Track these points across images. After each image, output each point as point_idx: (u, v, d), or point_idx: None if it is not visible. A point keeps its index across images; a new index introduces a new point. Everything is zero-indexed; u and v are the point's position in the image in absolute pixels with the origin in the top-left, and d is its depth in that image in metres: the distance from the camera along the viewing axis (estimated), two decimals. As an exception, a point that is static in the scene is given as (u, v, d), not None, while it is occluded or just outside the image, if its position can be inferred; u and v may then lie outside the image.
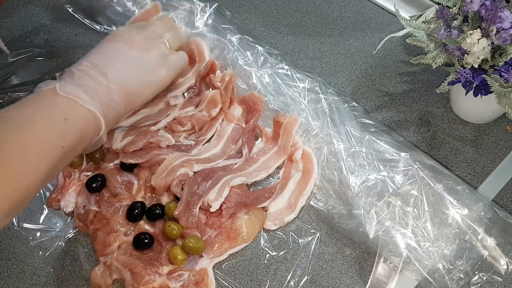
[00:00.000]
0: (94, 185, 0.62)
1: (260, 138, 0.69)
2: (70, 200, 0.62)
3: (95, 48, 0.60)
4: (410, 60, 0.66)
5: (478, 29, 0.57)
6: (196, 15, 0.80)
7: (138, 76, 0.59)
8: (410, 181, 0.61)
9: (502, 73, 0.56)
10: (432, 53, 0.63)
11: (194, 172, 0.64)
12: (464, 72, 0.58)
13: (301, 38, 0.81)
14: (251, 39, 0.77)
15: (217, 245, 0.59)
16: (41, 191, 0.64)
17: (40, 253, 0.60)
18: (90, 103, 0.52)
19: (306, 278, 0.58)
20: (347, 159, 0.63)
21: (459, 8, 0.61)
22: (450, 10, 0.61)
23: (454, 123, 0.70)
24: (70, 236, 0.61)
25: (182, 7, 0.81)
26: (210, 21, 0.80)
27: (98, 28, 0.81)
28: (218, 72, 0.73)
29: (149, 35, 0.63)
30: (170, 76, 0.63)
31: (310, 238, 0.60)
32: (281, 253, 0.59)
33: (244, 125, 0.69)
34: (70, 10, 0.82)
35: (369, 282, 0.57)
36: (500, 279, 0.56)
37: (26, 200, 0.47)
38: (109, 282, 0.56)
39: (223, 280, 0.58)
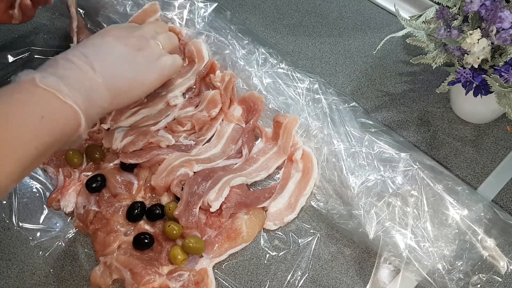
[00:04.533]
0: (94, 185, 0.62)
1: (260, 138, 0.69)
2: (70, 200, 0.62)
3: (86, 40, 0.57)
4: (410, 60, 0.66)
5: (478, 29, 0.57)
6: (196, 15, 0.80)
7: (128, 73, 0.56)
8: (410, 181, 0.61)
9: (502, 73, 0.56)
10: (432, 53, 0.63)
11: (194, 172, 0.64)
12: (464, 72, 0.58)
13: (301, 38, 0.81)
14: (251, 39, 0.77)
15: (217, 245, 0.59)
16: (41, 191, 0.64)
17: (40, 253, 0.60)
18: (72, 98, 0.48)
19: (306, 278, 0.58)
20: (347, 159, 0.63)
21: (459, 8, 0.61)
22: (450, 10, 0.61)
23: (454, 123, 0.70)
24: (70, 236, 0.61)
25: (182, 7, 0.81)
26: (209, 21, 0.80)
27: (98, 29, 0.81)
28: (218, 72, 0.73)
29: (142, 35, 0.61)
30: (161, 78, 0.61)
31: (310, 238, 0.60)
32: (281, 253, 0.60)
33: (244, 125, 0.69)
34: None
35: (369, 282, 0.57)
36: (500, 280, 0.56)
37: None
38: (109, 282, 0.56)
39: (223, 280, 0.58)
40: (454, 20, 0.61)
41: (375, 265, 0.58)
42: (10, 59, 0.77)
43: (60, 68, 0.50)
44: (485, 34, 0.57)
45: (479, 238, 0.57)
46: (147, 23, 0.68)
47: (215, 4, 0.81)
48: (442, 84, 0.62)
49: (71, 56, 0.52)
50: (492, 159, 0.67)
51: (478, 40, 0.56)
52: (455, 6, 0.62)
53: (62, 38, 0.80)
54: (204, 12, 0.81)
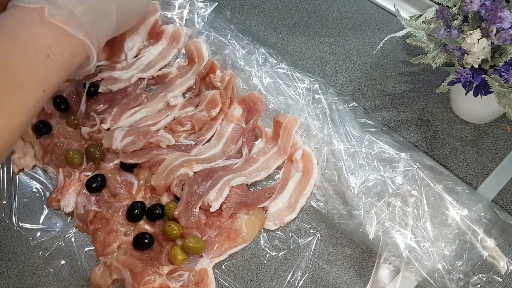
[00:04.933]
0: (94, 185, 0.62)
1: (260, 138, 0.69)
2: (70, 200, 0.62)
3: None
4: (410, 60, 0.66)
5: (478, 29, 0.57)
6: (196, 14, 0.80)
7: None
8: (410, 181, 0.61)
9: (502, 73, 0.56)
10: (432, 53, 0.63)
11: (194, 172, 0.64)
12: (464, 72, 0.58)
13: (301, 38, 0.81)
14: (251, 39, 0.77)
15: (217, 245, 0.59)
16: (41, 191, 0.64)
17: (40, 253, 0.60)
18: (82, 30, 0.44)
19: (306, 278, 0.58)
20: (347, 159, 0.63)
21: (459, 8, 0.61)
22: (450, 10, 0.61)
23: (454, 123, 0.70)
24: (70, 236, 0.61)
25: (181, 7, 0.81)
26: (209, 21, 0.80)
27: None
28: (218, 72, 0.73)
29: None
30: (147, 8, 0.59)
31: (310, 238, 0.60)
32: (281, 253, 0.60)
33: (244, 125, 0.69)
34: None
35: (369, 282, 0.57)
36: (500, 280, 0.56)
37: (3, 149, 0.41)
38: (109, 282, 0.56)
39: (223, 280, 0.58)
40: (454, 20, 0.61)
41: (375, 265, 0.58)
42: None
43: None
44: (485, 34, 0.57)
45: (479, 238, 0.57)
46: None
47: (215, 4, 0.81)
48: (442, 84, 0.62)
49: None
50: (492, 159, 0.67)
51: (478, 40, 0.56)
52: (455, 6, 0.62)
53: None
54: (204, 12, 0.81)
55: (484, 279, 0.56)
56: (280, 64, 0.74)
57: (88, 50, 0.46)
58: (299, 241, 0.60)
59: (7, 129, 0.40)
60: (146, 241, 0.58)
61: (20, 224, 0.62)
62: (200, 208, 0.60)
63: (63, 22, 0.43)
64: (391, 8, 0.83)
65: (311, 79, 0.72)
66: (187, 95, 0.74)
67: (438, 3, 0.64)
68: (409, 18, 0.66)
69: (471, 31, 0.57)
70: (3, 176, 0.65)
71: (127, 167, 0.64)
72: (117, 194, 0.62)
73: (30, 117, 0.42)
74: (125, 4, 0.51)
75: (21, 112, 0.41)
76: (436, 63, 0.63)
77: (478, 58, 0.57)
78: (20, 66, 0.41)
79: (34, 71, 0.42)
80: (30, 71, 0.41)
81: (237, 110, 0.71)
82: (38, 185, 0.65)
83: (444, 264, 0.56)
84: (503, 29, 0.56)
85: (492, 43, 0.57)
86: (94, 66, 0.48)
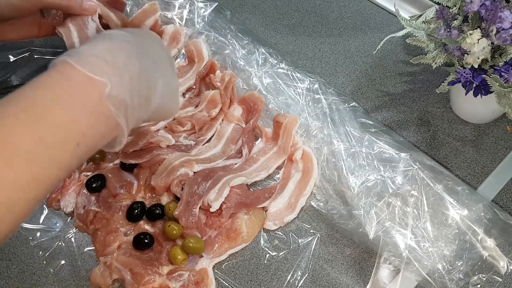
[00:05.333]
0: (94, 185, 0.62)
1: (260, 138, 0.69)
2: (70, 200, 0.62)
3: (151, 47, 0.47)
4: (410, 60, 0.66)
5: (478, 29, 0.57)
6: (196, 15, 0.80)
7: (171, 93, 0.50)
8: (410, 181, 0.61)
9: (502, 73, 0.56)
10: (432, 53, 0.63)
11: (194, 172, 0.64)
12: (464, 72, 0.58)
13: (301, 38, 0.81)
14: (251, 39, 0.77)
15: (217, 245, 0.59)
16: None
17: (40, 253, 0.60)
18: (125, 112, 0.41)
19: (306, 278, 0.58)
20: (347, 159, 0.63)
21: (459, 8, 0.61)
22: (450, 10, 0.61)
23: (454, 123, 0.70)
24: (70, 236, 0.61)
25: (181, 7, 0.81)
26: (209, 21, 0.80)
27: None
28: (218, 72, 0.73)
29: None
30: (175, 112, 0.53)
31: (310, 238, 0.60)
32: (281, 253, 0.59)
33: (244, 125, 0.69)
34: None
35: (369, 282, 0.57)
36: (500, 280, 0.56)
37: (15, 227, 0.37)
38: (109, 282, 0.56)
39: (223, 280, 0.58)
40: (454, 20, 0.61)
41: (375, 265, 0.58)
42: (11, 58, 0.77)
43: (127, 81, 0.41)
44: (485, 34, 0.57)
45: (479, 238, 0.57)
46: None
47: (215, 4, 0.81)
48: (442, 84, 0.62)
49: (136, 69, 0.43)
50: (492, 159, 0.67)
51: (478, 40, 0.56)
52: (455, 6, 0.62)
53: (62, 38, 0.80)
54: (204, 12, 0.81)
55: (484, 279, 0.56)
56: (280, 64, 0.74)
57: (120, 132, 0.41)
58: (299, 241, 0.60)
59: (37, 184, 0.37)
60: (146, 241, 0.58)
61: (20, 224, 0.62)
62: (200, 208, 0.60)
63: (116, 106, 0.39)
64: (391, 8, 0.83)
65: (311, 79, 0.72)
66: (187, 95, 0.74)
67: (438, 3, 0.64)
68: (409, 18, 0.66)
69: (471, 31, 0.57)
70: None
71: (127, 167, 0.64)
72: (117, 194, 0.62)
73: (44, 195, 0.39)
74: (164, 98, 0.48)
75: (53, 167, 0.38)
76: (436, 63, 0.63)
77: (478, 58, 0.57)
78: (43, 159, 0.37)
79: (56, 164, 0.38)
80: (52, 165, 0.37)
81: (237, 110, 0.71)
82: (38, 185, 0.65)
83: (444, 264, 0.56)
84: (503, 29, 0.56)
85: (492, 43, 0.57)
86: (120, 148, 0.44)
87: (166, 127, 0.69)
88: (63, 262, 0.59)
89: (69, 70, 0.39)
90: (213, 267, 0.58)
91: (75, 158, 0.39)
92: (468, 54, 0.58)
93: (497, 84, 0.56)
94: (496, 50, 0.59)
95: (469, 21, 0.60)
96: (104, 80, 0.39)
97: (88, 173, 0.64)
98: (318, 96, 0.70)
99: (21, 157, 0.36)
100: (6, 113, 0.36)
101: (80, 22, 0.56)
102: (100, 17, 0.58)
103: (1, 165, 0.35)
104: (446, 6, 0.62)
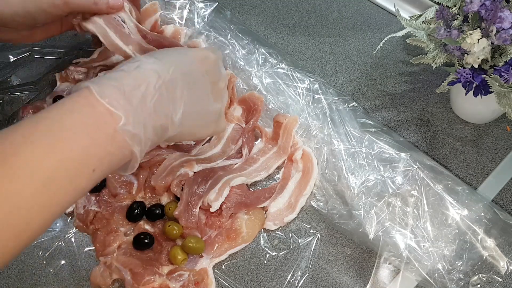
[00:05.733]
0: (94, 185, 0.62)
1: (260, 138, 0.69)
2: (70, 200, 0.62)
3: (183, 64, 0.49)
4: (410, 60, 0.66)
5: (478, 29, 0.57)
6: (196, 15, 0.80)
7: (197, 121, 0.50)
8: (410, 181, 0.61)
9: (502, 73, 0.56)
10: (432, 53, 0.63)
11: (194, 172, 0.64)
12: (464, 72, 0.58)
13: (301, 38, 0.81)
14: (251, 39, 0.77)
15: (217, 245, 0.59)
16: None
17: (40, 253, 0.60)
18: (139, 141, 0.42)
19: (306, 278, 0.58)
20: (347, 159, 0.63)
21: (459, 8, 0.61)
22: (450, 10, 0.61)
23: (454, 123, 0.70)
24: (70, 236, 0.61)
25: (182, 7, 0.81)
26: (209, 21, 0.80)
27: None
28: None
29: (223, 86, 0.54)
30: (206, 137, 0.55)
31: (310, 238, 0.60)
32: (281, 253, 0.59)
33: (244, 125, 0.69)
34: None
35: (369, 282, 0.57)
36: (500, 280, 0.56)
37: (23, 247, 0.38)
38: (109, 282, 0.56)
39: (223, 280, 0.58)
40: (454, 20, 0.61)
41: (375, 265, 0.58)
42: (11, 58, 0.77)
43: (149, 101, 0.43)
44: (485, 34, 0.57)
45: (479, 238, 0.57)
46: (222, 70, 0.55)
47: (215, 4, 0.81)
48: (442, 84, 0.62)
49: (158, 89, 0.44)
50: (492, 159, 0.67)
51: (478, 40, 0.56)
52: (455, 6, 0.62)
53: (62, 38, 0.80)
54: (204, 12, 0.81)
55: (484, 279, 0.56)
56: (280, 64, 0.74)
57: (133, 158, 0.43)
58: (299, 241, 0.60)
59: (55, 209, 0.38)
60: (146, 241, 0.58)
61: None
62: (200, 208, 0.60)
63: (130, 137, 0.41)
64: (391, 8, 0.83)
65: (311, 79, 0.72)
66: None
67: (438, 3, 0.64)
68: (409, 18, 0.66)
69: (471, 31, 0.57)
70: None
71: (127, 167, 0.64)
72: (117, 194, 0.62)
73: (54, 220, 0.40)
74: (186, 125, 0.48)
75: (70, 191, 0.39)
76: (436, 63, 0.63)
77: (478, 58, 0.57)
78: (59, 179, 0.38)
79: (72, 187, 0.39)
80: (68, 187, 0.38)
81: (237, 110, 0.71)
82: (38, 185, 0.65)
83: (444, 264, 0.56)
84: (503, 29, 0.56)
85: (492, 43, 0.57)
86: (132, 171, 0.45)
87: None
88: (63, 262, 0.59)
89: (91, 98, 0.40)
90: (213, 267, 0.58)
91: (90, 182, 0.40)
92: (468, 54, 0.58)
93: (497, 84, 0.56)
94: (496, 50, 0.59)
95: (469, 21, 0.60)
96: (120, 113, 0.40)
97: (88, 173, 0.64)
98: (318, 96, 0.70)
99: (40, 178, 0.36)
100: (30, 134, 0.37)
101: (112, 21, 0.59)
102: None
103: (19, 186, 0.35)
104: (446, 6, 0.62)
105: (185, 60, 0.50)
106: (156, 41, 0.63)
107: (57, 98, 0.69)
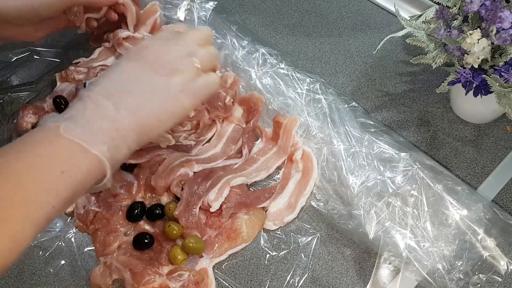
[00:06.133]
0: (94, 185, 0.62)
1: (260, 138, 0.69)
2: (70, 200, 0.62)
3: (113, 68, 0.50)
4: (410, 60, 0.66)
5: (478, 29, 0.57)
6: (196, 14, 0.80)
7: (159, 106, 0.48)
8: (410, 181, 0.61)
9: (502, 73, 0.56)
10: (432, 53, 0.63)
11: (194, 172, 0.64)
12: (464, 72, 0.58)
13: (301, 38, 0.81)
14: (251, 39, 0.77)
15: (217, 245, 0.59)
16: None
17: (40, 253, 0.60)
18: (97, 147, 0.43)
19: (306, 278, 0.58)
20: (347, 159, 0.63)
21: (459, 8, 0.61)
22: (450, 10, 0.61)
23: (454, 123, 0.70)
24: (70, 236, 0.61)
25: (181, 7, 0.81)
26: (209, 21, 0.80)
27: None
28: (217, 72, 0.73)
29: (179, 53, 0.51)
30: (195, 102, 0.52)
31: (310, 238, 0.60)
32: (281, 253, 0.59)
33: (244, 126, 0.69)
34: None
35: (369, 282, 0.57)
36: (500, 280, 0.56)
37: (5, 266, 0.39)
38: (109, 282, 0.56)
39: (223, 280, 0.58)
40: (454, 20, 0.61)
41: (375, 265, 0.58)
42: (11, 58, 0.77)
43: (88, 109, 0.45)
44: (485, 34, 0.57)
45: (479, 238, 0.57)
46: (189, 31, 0.54)
47: (215, 4, 0.81)
48: (442, 84, 0.62)
49: (97, 95, 0.46)
50: (492, 159, 0.67)
51: (478, 40, 0.56)
52: (455, 6, 0.62)
53: (61, 38, 0.80)
54: (204, 12, 0.81)
55: (484, 279, 0.56)
56: (280, 64, 0.74)
57: (103, 165, 0.44)
58: (299, 241, 0.60)
59: (13, 244, 0.40)
60: (146, 241, 0.58)
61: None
62: (200, 208, 0.60)
63: (79, 138, 0.43)
64: (391, 8, 0.83)
65: (311, 79, 0.72)
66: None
67: (438, 3, 0.64)
68: (409, 18, 0.66)
69: (471, 31, 0.57)
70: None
71: (127, 167, 0.64)
72: (117, 194, 0.62)
73: (36, 233, 0.42)
74: (146, 114, 0.48)
75: (27, 227, 0.41)
76: (436, 63, 0.63)
77: (478, 58, 0.57)
78: (32, 181, 0.41)
79: (45, 187, 0.42)
80: (41, 187, 0.41)
81: (237, 111, 0.71)
82: (38, 185, 0.65)
83: (444, 264, 0.56)
84: (503, 29, 0.56)
85: (492, 43, 0.57)
86: (110, 182, 0.46)
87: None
88: (63, 262, 0.59)
89: (53, 135, 0.44)
90: (213, 267, 0.58)
91: (63, 186, 0.43)
92: (468, 54, 0.58)
93: (497, 84, 0.56)
94: (496, 50, 0.59)
95: (469, 21, 0.60)
96: (59, 123, 0.43)
97: (88, 173, 0.64)
98: (318, 96, 0.70)
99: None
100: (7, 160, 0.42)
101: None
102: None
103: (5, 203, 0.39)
104: (446, 6, 0.62)
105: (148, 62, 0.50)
106: None
107: (57, 98, 0.69)
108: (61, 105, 0.69)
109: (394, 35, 0.67)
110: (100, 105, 0.46)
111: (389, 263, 0.58)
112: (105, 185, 0.46)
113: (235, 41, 0.76)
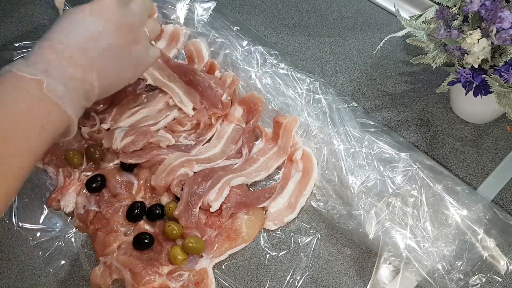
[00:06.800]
0: (94, 185, 0.62)
1: (260, 138, 0.69)
2: (70, 200, 0.62)
3: (74, 20, 0.51)
4: (410, 60, 0.66)
5: (478, 29, 0.57)
6: (196, 14, 0.80)
7: (120, 69, 0.54)
8: (410, 181, 0.61)
9: (502, 73, 0.56)
10: (432, 53, 0.63)
11: (194, 172, 0.64)
12: (464, 72, 0.58)
13: (301, 38, 0.81)
14: (251, 39, 0.77)
15: (217, 245, 0.59)
16: (41, 191, 0.64)
17: (40, 253, 0.60)
18: (70, 106, 0.47)
19: (306, 278, 0.58)
20: (347, 159, 0.63)
21: (459, 8, 0.61)
22: (450, 10, 0.61)
23: (454, 123, 0.70)
24: (70, 236, 0.61)
25: (181, 7, 0.81)
26: (209, 21, 0.80)
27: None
28: (217, 72, 0.73)
29: (134, 22, 0.54)
30: (144, 71, 0.58)
31: (310, 238, 0.60)
32: (281, 253, 0.60)
33: (244, 126, 0.69)
34: (70, 10, 0.82)
35: (369, 282, 0.57)
36: (500, 280, 0.56)
37: None
38: (109, 282, 0.56)
39: (223, 280, 0.58)
40: (454, 20, 0.61)
41: (375, 265, 0.58)
42: (13, 57, 0.77)
43: (64, 69, 0.48)
44: (485, 34, 0.57)
45: (479, 238, 0.57)
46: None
47: (215, 4, 0.81)
48: (442, 84, 0.62)
49: (62, 48, 0.48)
50: (492, 159, 0.67)
51: (478, 40, 0.56)
52: (455, 6, 0.62)
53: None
54: (204, 12, 0.81)
55: (484, 279, 0.56)
56: (280, 64, 0.74)
57: (70, 122, 0.48)
58: (299, 241, 0.60)
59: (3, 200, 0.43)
60: (146, 241, 0.58)
61: (20, 224, 0.62)
62: (200, 208, 0.60)
63: (58, 98, 0.46)
64: (391, 8, 0.83)
65: (311, 79, 0.72)
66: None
67: (438, 3, 0.64)
68: (409, 18, 0.66)
69: (471, 31, 0.57)
70: (3, 176, 0.65)
71: (127, 167, 0.64)
72: (117, 194, 0.62)
73: (20, 185, 0.45)
74: (108, 80, 0.53)
75: (11, 180, 0.44)
76: (436, 63, 0.63)
77: (478, 58, 0.57)
78: (18, 137, 0.43)
79: (30, 142, 0.44)
80: (27, 142, 0.44)
81: (237, 111, 0.71)
82: (38, 185, 0.65)
83: (444, 264, 0.56)
84: (503, 29, 0.56)
85: (492, 43, 0.57)
86: (73, 135, 0.51)
87: (166, 127, 0.69)
88: (63, 262, 0.59)
89: (12, 75, 0.45)
90: (213, 267, 0.58)
91: (43, 141, 0.46)
92: (468, 54, 0.58)
93: (497, 84, 0.56)
94: (496, 50, 0.59)
95: (469, 21, 0.60)
96: (39, 77, 0.45)
97: (88, 173, 0.64)
98: (318, 96, 0.70)
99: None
100: None
101: None
102: None
103: None
104: (446, 6, 0.62)
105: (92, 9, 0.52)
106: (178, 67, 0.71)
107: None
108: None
109: (394, 35, 0.67)
110: (71, 65, 0.48)
111: (389, 263, 0.58)
112: (70, 138, 0.51)
113: (235, 41, 0.76)
